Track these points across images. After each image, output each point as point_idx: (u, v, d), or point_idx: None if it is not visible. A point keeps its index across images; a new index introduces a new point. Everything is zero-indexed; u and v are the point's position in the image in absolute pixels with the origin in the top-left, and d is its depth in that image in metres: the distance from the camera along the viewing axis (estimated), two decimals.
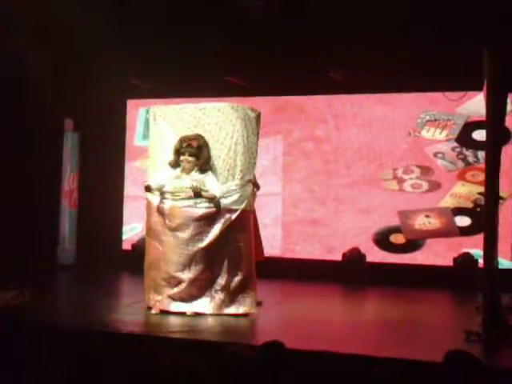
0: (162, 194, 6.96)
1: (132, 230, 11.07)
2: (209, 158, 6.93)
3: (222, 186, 6.89)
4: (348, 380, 3.56)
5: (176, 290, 6.84)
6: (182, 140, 6.96)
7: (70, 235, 11.05)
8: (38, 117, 9.82)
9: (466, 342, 5.57)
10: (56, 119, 10.56)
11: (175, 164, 7.00)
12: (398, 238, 10.04)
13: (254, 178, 7.47)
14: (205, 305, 6.84)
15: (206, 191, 6.84)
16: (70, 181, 11.08)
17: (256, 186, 7.54)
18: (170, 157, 7.04)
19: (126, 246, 10.91)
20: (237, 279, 6.87)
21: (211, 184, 6.87)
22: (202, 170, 6.91)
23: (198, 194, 6.77)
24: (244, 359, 3.67)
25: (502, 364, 5.18)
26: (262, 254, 7.76)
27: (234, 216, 6.85)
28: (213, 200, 6.80)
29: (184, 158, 6.90)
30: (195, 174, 6.91)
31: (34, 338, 4.96)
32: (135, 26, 8.25)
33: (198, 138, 6.95)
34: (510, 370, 4.75)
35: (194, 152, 6.88)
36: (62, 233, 10.89)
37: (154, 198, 7.03)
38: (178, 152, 6.95)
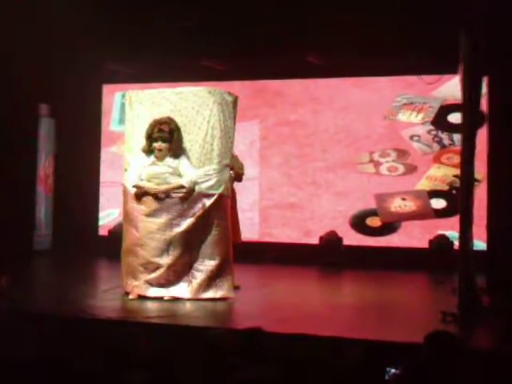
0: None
1: (109, 215, 11.02)
2: (181, 140, 6.83)
3: (198, 170, 6.85)
4: (326, 362, 3.59)
5: (154, 275, 6.82)
6: (153, 125, 6.82)
7: (46, 221, 10.97)
8: (13, 102, 9.70)
9: (441, 323, 5.64)
10: (31, 104, 10.45)
11: (148, 150, 6.87)
12: (374, 221, 10.10)
13: (242, 168, 7.49)
14: (183, 289, 6.83)
15: (179, 175, 6.81)
16: (45, 166, 10.99)
17: (239, 177, 7.54)
18: (143, 142, 6.95)
19: (103, 231, 10.86)
20: (214, 263, 6.86)
21: (185, 169, 6.81)
22: (176, 155, 6.84)
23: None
24: (225, 344, 3.68)
25: (477, 344, 5.24)
26: (239, 238, 7.74)
27: (211, 201, 6.83)
28: (183, 188, 6.78)
29: (157, 145, 6.78)
30: (169, 160, 6.83)
31: (11, 323, 4.94)
32: (111, 11, 8.17)
33: (169, 121, 6.82)
34: (484, 350, 4.81)
35: (166, 137, 6.75)
36: (37, 218, 10.81)
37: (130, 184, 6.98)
38: (150, 137, 6.83)
